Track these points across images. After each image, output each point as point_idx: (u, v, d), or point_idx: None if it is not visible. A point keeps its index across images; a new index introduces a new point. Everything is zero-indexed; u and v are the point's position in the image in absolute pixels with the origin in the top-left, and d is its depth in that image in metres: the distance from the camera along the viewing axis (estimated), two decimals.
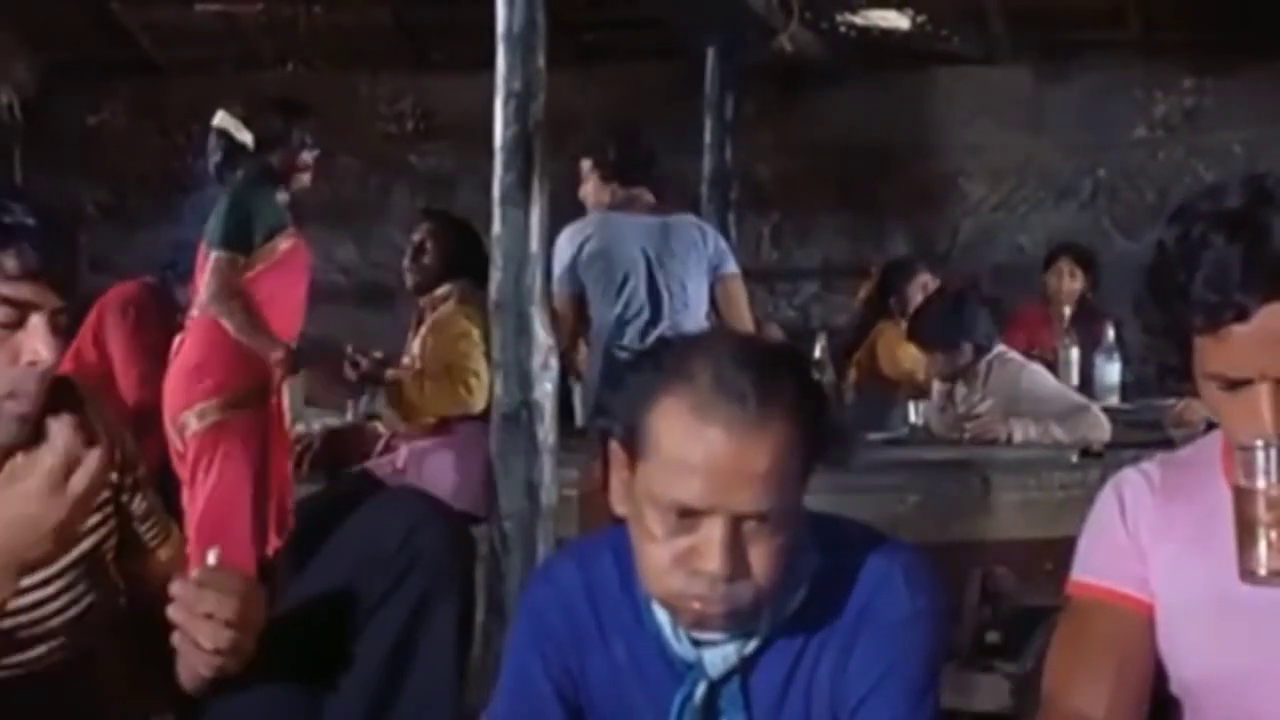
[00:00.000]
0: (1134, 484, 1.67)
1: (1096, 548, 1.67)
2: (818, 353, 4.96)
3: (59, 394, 1.81)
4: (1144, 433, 4.50)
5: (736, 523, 1.45)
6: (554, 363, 3.49)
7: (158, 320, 4.42)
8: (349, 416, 4.76)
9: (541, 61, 3.47)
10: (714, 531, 1.45)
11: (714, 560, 1.45)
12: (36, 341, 1.63)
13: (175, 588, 1.62)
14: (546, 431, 3.47)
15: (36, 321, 1.63)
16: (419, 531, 4.10)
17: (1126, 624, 1.63)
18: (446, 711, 4.01)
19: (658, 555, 1.48)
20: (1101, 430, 4.32)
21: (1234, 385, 1.49)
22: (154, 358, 4.28)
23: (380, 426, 4.42)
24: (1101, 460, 4.17)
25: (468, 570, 3.99)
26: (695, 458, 1.44)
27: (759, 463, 1.44)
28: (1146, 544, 1.63)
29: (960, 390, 4.55)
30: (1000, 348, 4.53)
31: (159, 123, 7.50)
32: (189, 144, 7.51)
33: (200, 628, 1.60)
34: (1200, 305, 1.47)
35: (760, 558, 1.47)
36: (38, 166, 7.29)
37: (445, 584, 4.04)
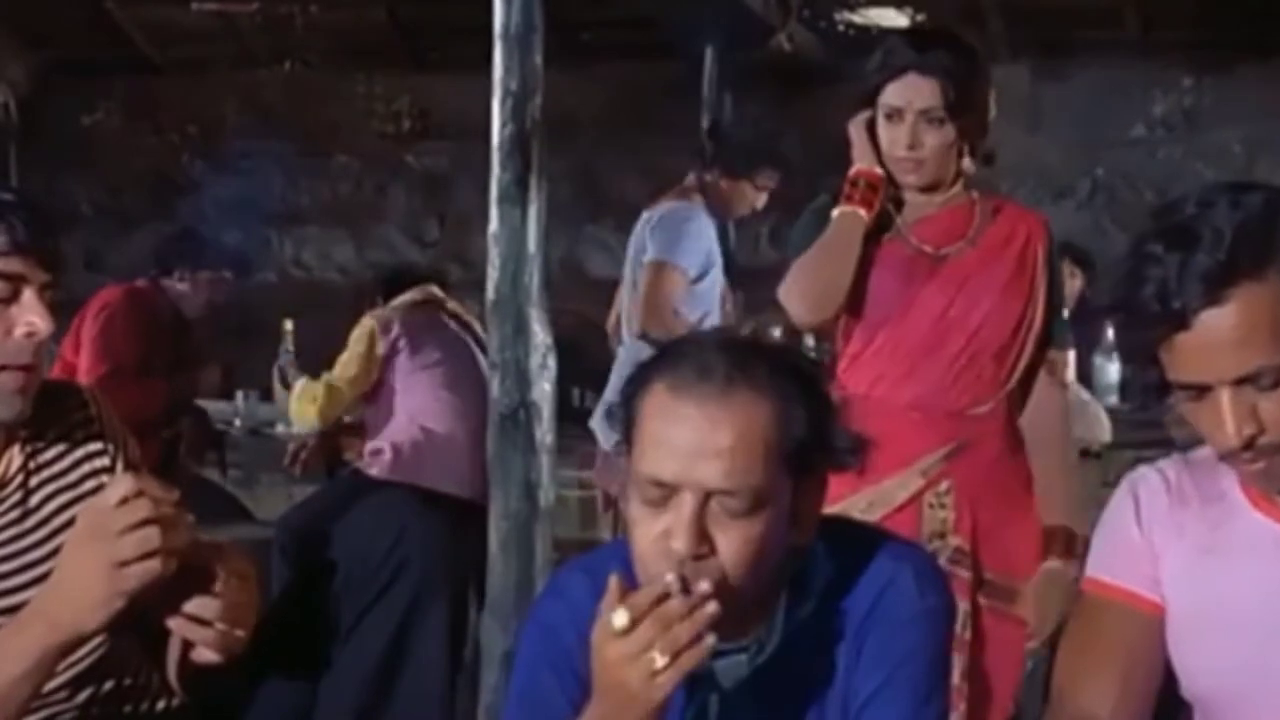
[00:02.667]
0: (1150, 485, 1.66)
1: (1110, 547, 1.67)
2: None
3: (64, 396, 1.84)
4: (1144, 432, 4.49)
5: (704, 500, 1.47)
6: (552, 362, 3.48)
7: (138, 326, 4.36)
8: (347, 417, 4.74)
9: (539, 60, 3.46)
10: (683, 508, 1.47)
11: (681, 537, 1.47)
12: (31, 314, 1.69)
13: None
14: (544, 431, 3.46)
15: (29, 294, 1.69)
16: (410, 533, 4.10)
17: (1137, 625, 1.63)
18: (438, 709, 4.01)
19: (640, 538, 1.51)
20: (1101, 429, 4.31)
21: (1197, 393, 1.49)
22: (120, 363, 4.23)
23: None
24: (1100, 461, 4.17)
25: (460, 571, 3.96)
26: (668, 433, 1.48)
27: (724, 437, 1.47)
28: (1159, 547, 1.63)
29: None
30: None
31: (154, 122, 7.50)
32: (184, 143, 7.53)
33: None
34: (1146, 318, 1.48)
35: (729, 542, 1.48)
36: (33, 165, 7.28)
37: (437, 584, 4.04)
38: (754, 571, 1.50)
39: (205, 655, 1.61)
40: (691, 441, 1.47)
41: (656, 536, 1.49)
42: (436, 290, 4.29)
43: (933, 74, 2.59)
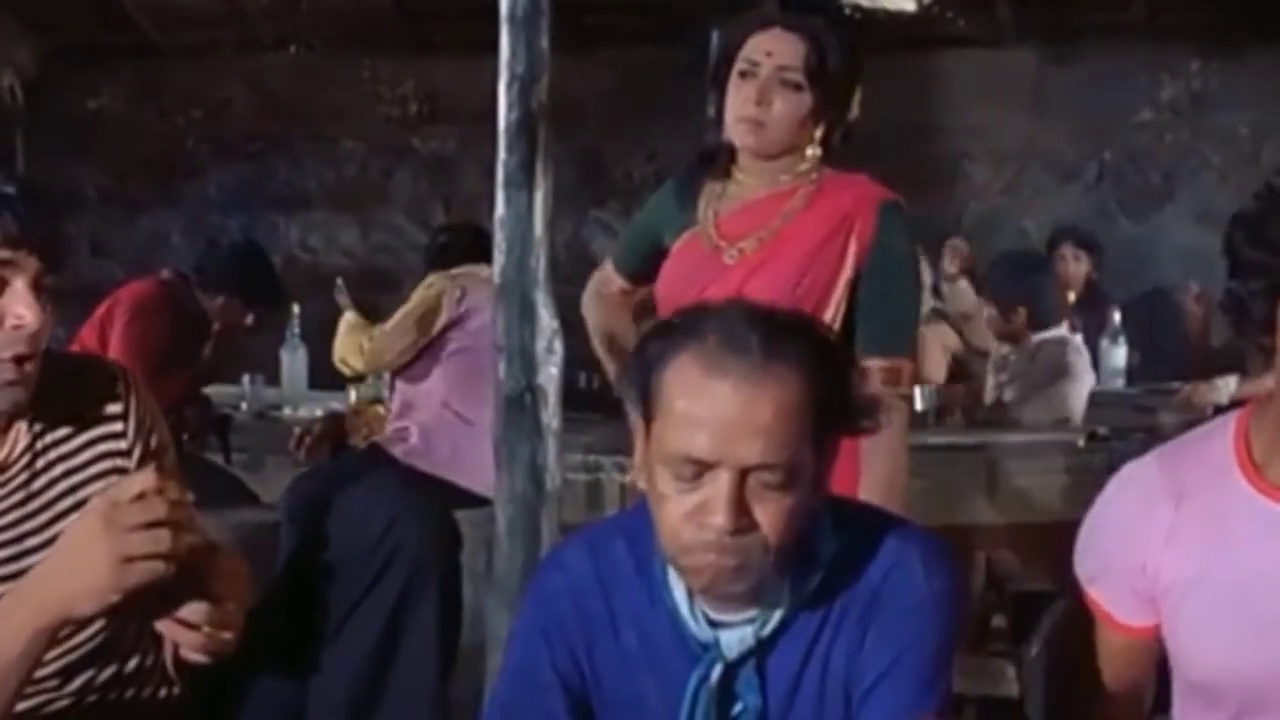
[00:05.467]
0: (1140, 487, 1.66)
1: (1103, 557, 1.67)
2: None
3: (93, 374, 1.82)
4: (1149, 417, 4.50)
5: (743, 476, 1.46)
6: (558, 346, 3.47)
7: (169, 323, 4.36)
8: (352, 399, 4.73)
9: (545, 44, 3.45)
10: (721, 484, 1.46)
11: (720, 513, 1.46)
12: (19, 305, 1.67)
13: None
14: (551, 415, 3.46)
15: (19, 285, 1.67)
16: (398, 525, 4.07)
17: (1133, 647, 1.65)
18: (430, 702, 3.99)
19: (670, 513, 1.50)
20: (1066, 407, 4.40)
21: None
22: (150, 364, 4.22)
23: (383, 409, 4.38)
24: (1108, 445, 4.17)
25: (450, 562, 3.91)
26: (703, 411, 1.46)
27: (764, 414, 1.46)
28: (1159, 550, 1.62)
29: (1011, 364, 4.58)
30: (1058, 332, 4.55)
31: (159, 106, 7.48)
32: (189, 127, 7.52)
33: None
34: None
35: (768, 515, 1.48)
36: (39, 150, 7.27)
37: (426, 577, 4.01)
38: (791, 540, 1.50)
39: (192, 656, 1.60)
40: (728, 419, 1.46)
41: (690, 512, 1.48)
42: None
43: (799, 33, 2.38)
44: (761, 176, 2.46)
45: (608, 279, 2.80)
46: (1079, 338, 4.78)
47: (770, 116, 2.38)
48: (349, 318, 4.21)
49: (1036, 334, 4.60)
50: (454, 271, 4.13)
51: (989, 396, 4.68)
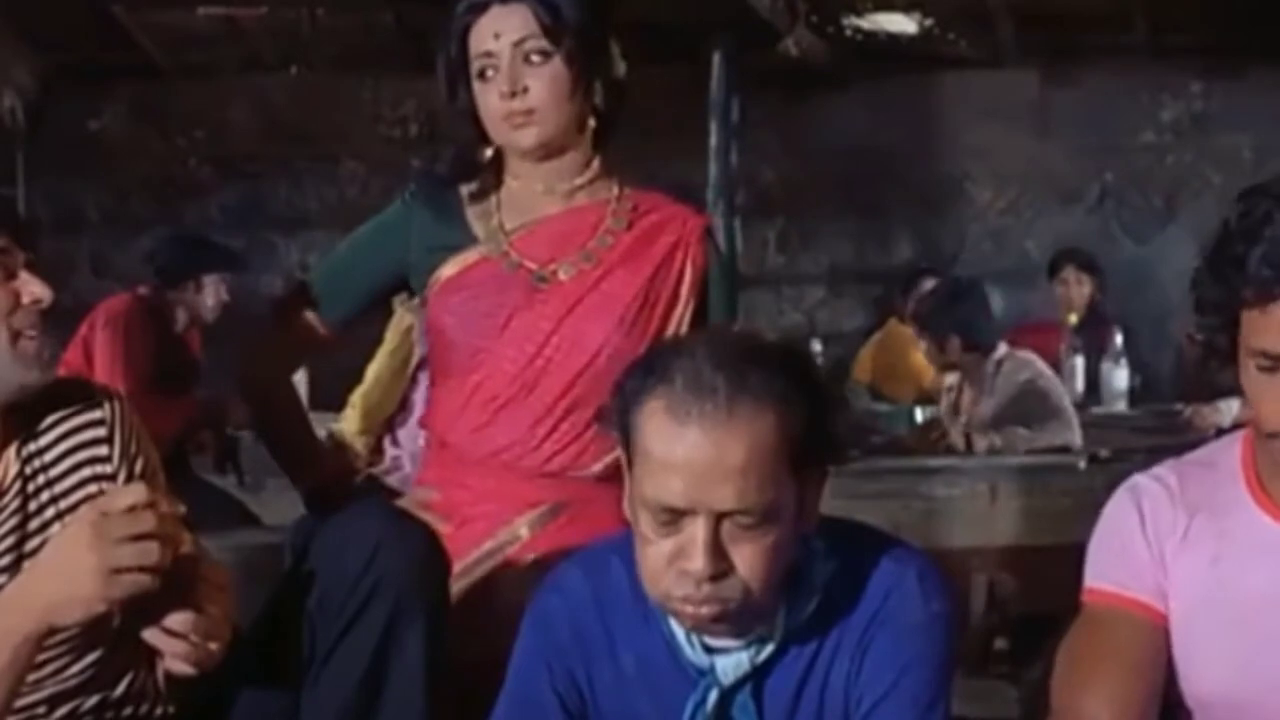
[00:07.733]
0: (1153, 494, 1.65)
1: (1116, 557, 1.65)
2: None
3: (78, 396, 1.80)
4: (1151, 439, 4.49)
5: (717, 521, 1.45)
6: None
7: (147, 335, 4.37)
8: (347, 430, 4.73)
9: None
10: (696, 531, 1.45)
11: (696, 560, 1.45)
12: (33, 286, 1.70)
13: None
14: None
15: (22, 271, 1.70)
16: (382, 553, 4.01)
17: (1142, 632, 1.62)
18: None
19: (651, 557, 1.49)
20: (1072, 434, 4.34)
21: (1273, 364, 1.48)
22: (140, 374, 4.22)
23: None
24: (1109, 467, 4.15)
25: (438, 588, 3.87)
26: (673, 458, 1.45)
27: (734, 458, 1.44)
28: (1170, 556, 1.62)
29: (968, 394, 4.52)
30: (1005, 348, 4.50)
31: (161, 126, 7.50)
32: (190, 147, 7.53)
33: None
34: (1254, 279, 1.47)
35: (746, 557, 1.47)
36: (40, 170, 7.28)
37: (412, 605, 3.95)
38: (772, 577, 1.49)
39: (178, 667, 1.59)
40: (699, 467, 1.44)
41: (669, 556, 1.47)
42: None
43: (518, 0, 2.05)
44: (546, 177, 2.14)
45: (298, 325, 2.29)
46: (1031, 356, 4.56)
47: (534, 100, 2.05)
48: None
49: (994, 353, 4.47)
50: (417, 302, 4.15)
51: (956, 438, 4.45)
